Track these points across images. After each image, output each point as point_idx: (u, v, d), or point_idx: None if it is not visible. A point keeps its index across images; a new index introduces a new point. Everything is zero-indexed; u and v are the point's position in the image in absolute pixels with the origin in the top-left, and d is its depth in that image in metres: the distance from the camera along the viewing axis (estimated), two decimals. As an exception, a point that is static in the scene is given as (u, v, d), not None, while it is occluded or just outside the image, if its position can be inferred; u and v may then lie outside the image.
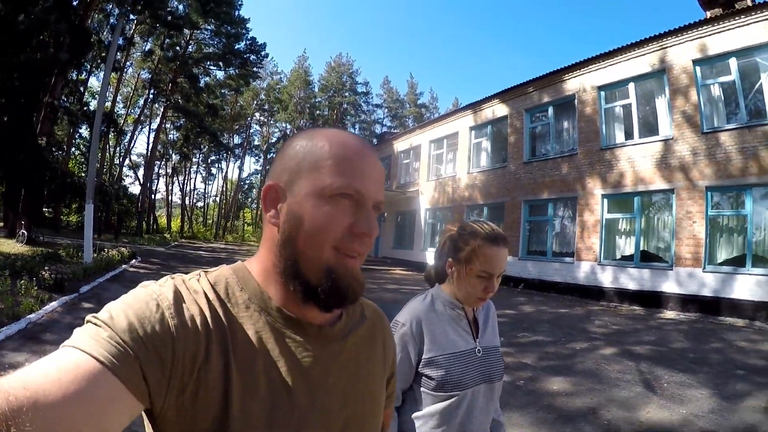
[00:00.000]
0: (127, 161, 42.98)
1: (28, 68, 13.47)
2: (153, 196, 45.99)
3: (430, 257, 21.19)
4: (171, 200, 56.90)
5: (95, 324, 0.55)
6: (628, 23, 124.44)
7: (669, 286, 12.25)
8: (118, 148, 41.62)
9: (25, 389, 0.44)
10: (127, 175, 45.20)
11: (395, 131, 46.56)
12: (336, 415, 0.70)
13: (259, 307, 0.68)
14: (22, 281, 7.66)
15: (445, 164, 22.67)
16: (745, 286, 10.92)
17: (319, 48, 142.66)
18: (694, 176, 12.11)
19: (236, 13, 36.03)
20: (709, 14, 13.04)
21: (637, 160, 13.38)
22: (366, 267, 16.96)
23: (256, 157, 62.49)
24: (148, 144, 42.74)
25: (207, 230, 57.42)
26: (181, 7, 31.53)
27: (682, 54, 12.72)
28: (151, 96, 38.22)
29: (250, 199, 66.63)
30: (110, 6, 22.83)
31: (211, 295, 0.65)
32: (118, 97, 38.70)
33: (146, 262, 15.81)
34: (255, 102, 55.75)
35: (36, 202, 18.34)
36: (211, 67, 39.85)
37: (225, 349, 0.62)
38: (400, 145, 27.01)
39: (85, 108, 26.45)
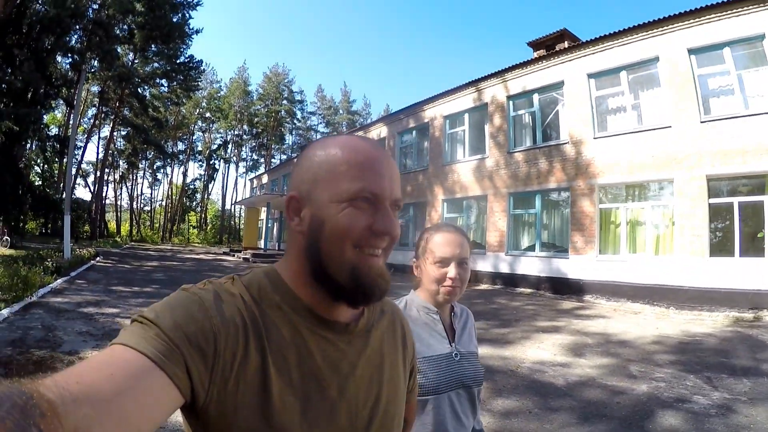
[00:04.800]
0: (78, 170, 44.45)
1: (19, 118, 17.67)
2: (103, 202, 47.44)
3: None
4: (120, 205, 57.86)
5: (142, 323, 0.59)
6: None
7: (483, 266, 15.68)
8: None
9: (78, 383, 0.46)
10: (78, 184, 46.53)
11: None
12: (363, 404, 0.74)
13: (290, 308, 0.71)
14: (35, 267, 11.97)
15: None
16: (534, 265, 14.12)
17: (257, 57, 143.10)
18: (500, 185, 15.68)
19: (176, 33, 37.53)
20: (536, 54, 16.62)
21: (465, 173, 17.23)
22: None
23: (199, 163, 64.19)
24: (98, 153, 45.21)
25: (155, 233, 58.35)
26: (125, 26, 33.68)
27: (500, 91, 16.17)
28: (102, 110, 40.52)
29: (194, 203, 66.97)
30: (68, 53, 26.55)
31: (247, 297, 0.69)
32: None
33: (107, 259, 20.19)
34: (197, 111, 57.46)
35: (14, 213, 22.34)
36: (156, 83, 41.87)
37: (262, 346, 0.65)
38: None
39: (44, 128, 30.04)
